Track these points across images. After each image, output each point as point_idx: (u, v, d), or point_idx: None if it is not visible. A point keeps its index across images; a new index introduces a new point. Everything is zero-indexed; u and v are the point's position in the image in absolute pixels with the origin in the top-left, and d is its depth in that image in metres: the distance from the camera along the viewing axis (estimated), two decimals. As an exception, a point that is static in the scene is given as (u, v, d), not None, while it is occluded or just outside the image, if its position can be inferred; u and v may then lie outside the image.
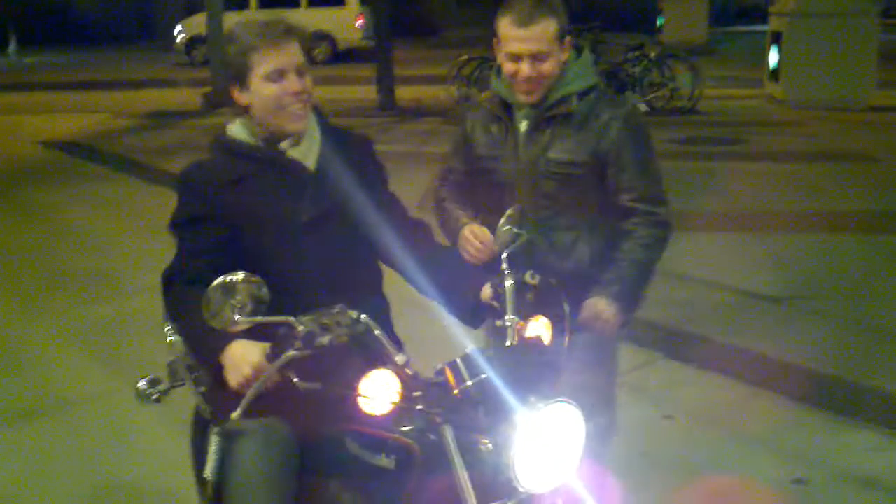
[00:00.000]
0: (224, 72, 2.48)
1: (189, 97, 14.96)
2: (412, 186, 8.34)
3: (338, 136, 2.59)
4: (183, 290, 2.36)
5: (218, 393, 2.35)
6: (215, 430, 2.35)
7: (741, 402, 4.43)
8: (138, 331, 5.20)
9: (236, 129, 2.51)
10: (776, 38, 13.02)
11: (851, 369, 4.44)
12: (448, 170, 3.07)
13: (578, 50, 2.88)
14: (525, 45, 2.67)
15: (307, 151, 2.49)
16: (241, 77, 2.40)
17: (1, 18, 25.12)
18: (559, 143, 2.77)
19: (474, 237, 2.74)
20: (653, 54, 12.62)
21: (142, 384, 2.56)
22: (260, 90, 2.38)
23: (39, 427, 4.39)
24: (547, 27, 2.67)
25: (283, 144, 2.46)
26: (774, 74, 13.12)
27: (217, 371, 2.25)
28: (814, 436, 4.12)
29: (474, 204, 2.97)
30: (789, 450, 4.01)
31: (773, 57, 13.12)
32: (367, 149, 2.70)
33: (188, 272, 2.37)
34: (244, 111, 2.47)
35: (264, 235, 2.40)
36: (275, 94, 2.37)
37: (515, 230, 2.51)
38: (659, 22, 21.53)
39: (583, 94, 2.80)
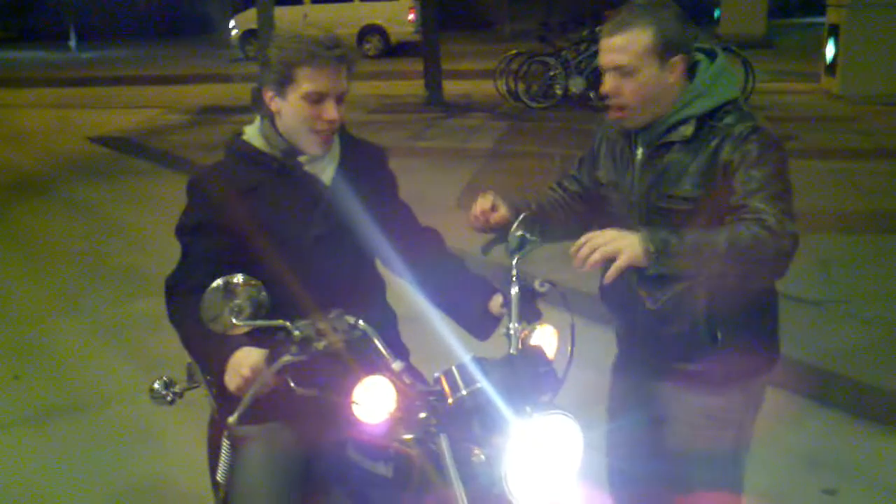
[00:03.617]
0: (261, 71, 2.42)
1: (240, 92, 15.06)
2: (453, 184, 8.36)
3: (355, 148, 2.56)
4: (186, 298, 2.33)
5: (227, 398, 2.35)
6: (226, 433, 2.37)
7: (772, 409, 4.29)
8: (173, 330, 5.25)
9: (253, 134, 2.47)
10: (834, 31, 12.74)
11: (890, 376, 4.30)
12: (564, 178, 2.78)
13: (692, 68, 2.41)
14: (607, 55, 2.37)
15: (325, 166, 2.46)
16: (279, 85, 2.35)
17: (61, 13, 25.66)
18: (671, 174, 2.40)
19: (478, 204, 2.54)
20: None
21: (157, 385, 2.59)
22: (295, 106, 2.34)
23: (67, 425, 4.45)
24: (635, 38, 2.31)
25: (302, 158, 2.43)
26: (831, 68, 12.84)
27: (220, 377, 2.25)
28: (846, 445, 4.02)
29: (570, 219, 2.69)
30: (820, 459, 3.92)
31: (830, 50, 12.85)
32: (381, 160, 2.66)
33: (191, 280, 2.35)
34: (270, 114, 2.43)
35: (272, 247, 2.37)
36: (309, 115, 2.34)
37: (528, 236, 2.47)
38: (716, 14, 21.20)
39: (710, 115, 2.37)
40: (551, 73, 12.96)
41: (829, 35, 12.91)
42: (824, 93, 12.96)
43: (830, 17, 13.07)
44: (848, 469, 3.82)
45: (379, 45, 21.70)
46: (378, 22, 21.49)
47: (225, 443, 2.40)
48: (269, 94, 2.39)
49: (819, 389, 4.36)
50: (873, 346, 4.62)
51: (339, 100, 2.36)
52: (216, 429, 2.54)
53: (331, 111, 2.34)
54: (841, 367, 4.41)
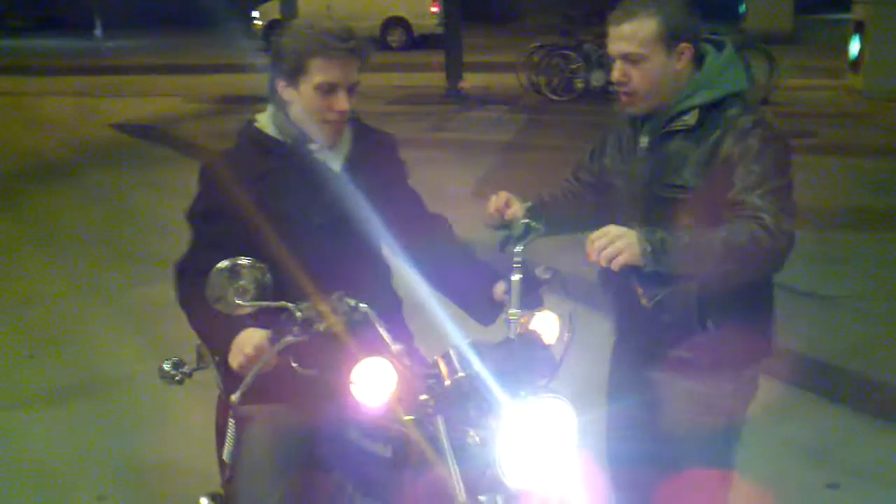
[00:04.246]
0: (274, 61, 2.45)
1: (262, 82, 15.11)
2: (470, 175, 8.37)
3: (366, 136, 2.59)
4: (194, 282, 2.35)
5: (234, 378, 2.40)
6: (232, 413, 2.41)
7: (777, 402, 4.31)
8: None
9: (265, 121, 2.51)
10: (859, 27, 12.63)
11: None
12: (579, 169, 2.82)
13: (700, 59, 2.44)
14: (615, 44, 2.40)
15: (336, 153, 2.49)
16: (291, 75, 2.38)
17: (87, 2, 25.80)
18: (673, 163, 2.42)
19: (492, 202, 2.59)
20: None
21: (166, 365, 2.63)
22: (307, 96, 2.38)
23: (80, 404, 4.52)
24: (641, 26, 2.34)
25: (313, 146, 2.46)
26: (855, 65, 12.73)
27: (226, 357, 2.30)
28: (850, 439, 4.02)
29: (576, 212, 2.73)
30: (824, 453, 3.92)
31: (855, 46, 12.74)
32: (392, 148, 2.70)
33: (200, 264, 2.35)
34: (282, 102, 2.46)
35: (280, 233, 2.40)
36: (320, 106, 2.38)
37: (532, 224, 2.50)
38: (741, 9, 21.03)
39: (714, 106, 2.40)
40: (572, 67, 12.93)
41: (855, 31, 12.79)
42: (847, 89, 12.85)
43: (856, 13, 12.95)
44: (851, 464, 3.81)
45: (402, 37, 21.71)
46: (401, 14, 21.51)
47: (231, 422, 2.44)
48: (280, 84, 2.42)
49: (825, 384, 4.36)
50: (880, 341, 4.61)
51: (350, 91, 2.39)
52: (223, 409, 2.59)
53: (342, 102, 2.37)
54: (847, 361, 4.41)
